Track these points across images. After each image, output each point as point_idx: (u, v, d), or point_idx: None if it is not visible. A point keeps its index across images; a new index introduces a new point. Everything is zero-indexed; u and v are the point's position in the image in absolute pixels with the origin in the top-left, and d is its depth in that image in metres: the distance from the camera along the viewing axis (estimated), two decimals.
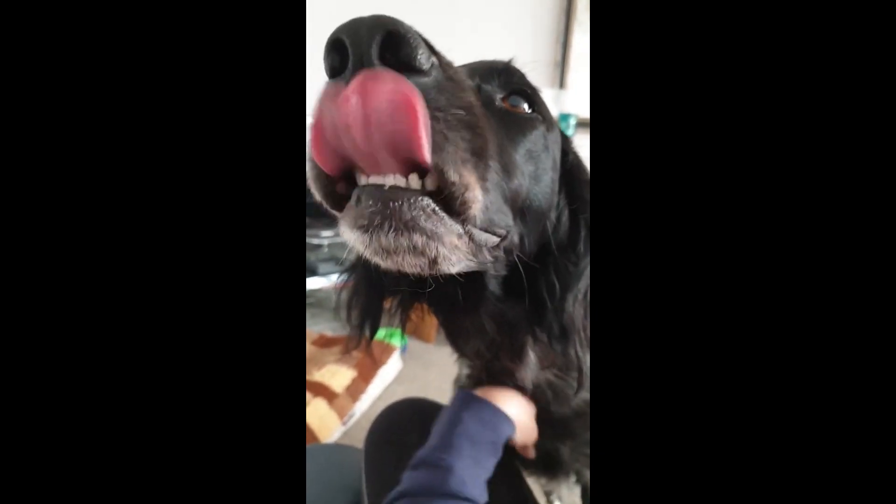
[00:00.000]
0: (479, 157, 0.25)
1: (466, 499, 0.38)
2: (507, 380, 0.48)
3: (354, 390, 1.37)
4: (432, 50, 0.24)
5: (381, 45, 0.21)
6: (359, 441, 1.29)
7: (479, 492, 0.40)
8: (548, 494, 0.93)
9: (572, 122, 1.76)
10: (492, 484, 0.42)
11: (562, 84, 1.87)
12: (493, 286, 0.37)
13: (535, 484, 0.64)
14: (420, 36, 0.22)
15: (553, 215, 0.38)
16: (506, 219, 0.30)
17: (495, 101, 0.33)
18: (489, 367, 0.49)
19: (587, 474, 0.57)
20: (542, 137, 0.35)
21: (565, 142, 0.41)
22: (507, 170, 0.30)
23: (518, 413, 0.49)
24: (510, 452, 0.52)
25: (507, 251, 0.33)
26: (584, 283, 0.37)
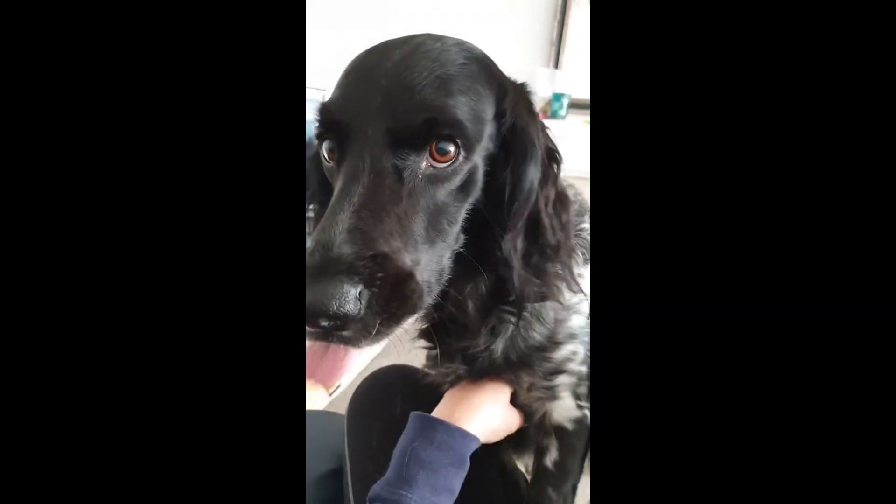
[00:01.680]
0: (415, 307, 0.33)
1: None
2: (454, 330, 0.47)
3: None
4: (363, 275, 0.30)
5: (323, 318, 0.29)
6: (343, 410, 1.32)
7: None
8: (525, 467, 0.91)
9: (565, 101, 1.75)
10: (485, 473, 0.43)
11: (557, 64, 1.85)
12: None
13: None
14: (345, 297, 0.29)
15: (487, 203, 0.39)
16: (448, 256, 0.37)
17: (418, 171, 0.34)
18: (436, 319, 0.48)
19: (548, 406, 0.53)
20: (467, 173, 0.36)
21: (502, 105, 0.39)
22: (440, 236, 0.35)
23: (486, 417, 0.48)
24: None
25: (454, 253, 0.38)
26: (519, 223, 0.38)
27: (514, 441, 0.65)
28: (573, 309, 0.48)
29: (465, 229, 0.38)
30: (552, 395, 0.51)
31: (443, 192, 0.35)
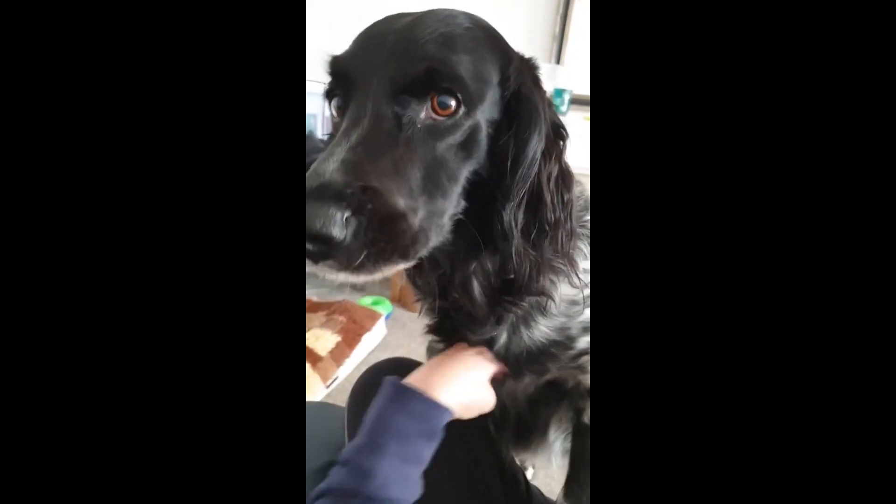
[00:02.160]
0: (406, 250, 0.33)
1: (387, 499, 0.38)
2: (461, 320, 0.48)
3: (338, 354, 1.40)
4: (350, 201, 0.30)
5: (308, 239, 0.29)
6: (341, 403, 1.32)
7: (406, 490, 0.40)
8: (521, 462, 0.94)
9: (566, 97, 1.75)
10: (465, 468, 0.43)
11: (559, 59, 1.84)
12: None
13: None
14: (330, 218, 0.29)
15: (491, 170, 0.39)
16: (447, 215, 0.37)
17: (418, 120, 0.35)
18: (443, 308, 0.49)
19: (581, 378, 0.55)
20: (468, 130, 0.36)
21: (507, 71, 0.39)
22: (438, 190, 0.35)
23: (461, 389, 0.48)
24: (480, 419, 0.53)
25: (454, 216, 0.38)
26: (521, 191, 0.38)
27: (515, 438, 0.66)
28: (584, 304, 0.49)
29: (467, 195, 0.38)
30: (582, 369, 0.53)
31: (442, 146, 0.36)
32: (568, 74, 1.76)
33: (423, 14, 0.38)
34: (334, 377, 1.36)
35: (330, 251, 0.29)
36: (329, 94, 0.41)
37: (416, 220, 0.33)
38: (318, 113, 1.92)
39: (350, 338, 1.47)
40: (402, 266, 0.34)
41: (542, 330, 0.48)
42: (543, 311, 0.47)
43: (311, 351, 1.35)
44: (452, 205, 0.37)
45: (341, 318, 1.56)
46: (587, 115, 1.69)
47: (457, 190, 0.37)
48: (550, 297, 0.45)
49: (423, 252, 0.35)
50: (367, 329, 1.55)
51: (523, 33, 1.87)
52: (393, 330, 1.74)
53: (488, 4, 1.92)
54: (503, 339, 0.49)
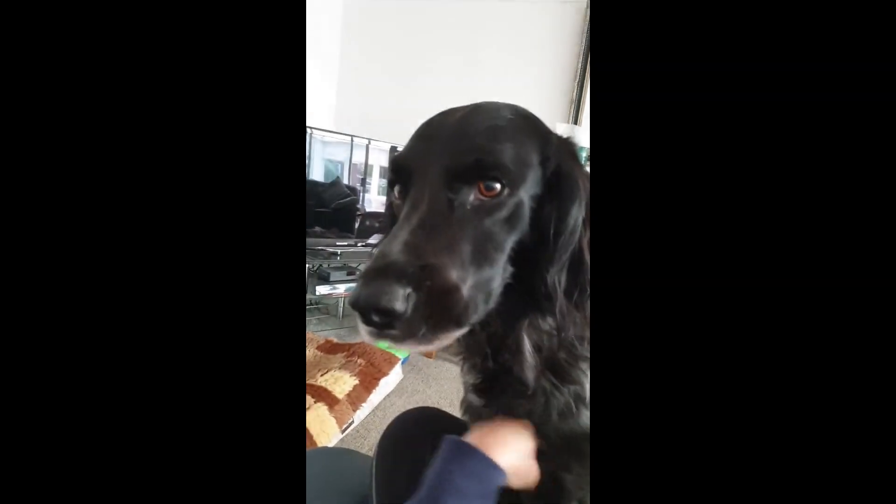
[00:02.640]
0: (459, 319, 0.37)
1: None
2: (509, 383, 0.49)
3: (355, 398, 1.41)
4: (411, 279, 0.34)
5: (375, 313, 0.33)
6: (355, 449, 1.31)
7: None
8: None
9: (584, 155, 1.83)
10: None
11: (577, 121, 1.95)
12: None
13: None
14: (394, 295, 0.33)
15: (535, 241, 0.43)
16: (496, 283, 0.40)
17: (468, 202, 0.40)
18: (491, 369, 0.51)
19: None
20: (512, 207, 0.41)
21: (546, 151, 0.44)
22: (486, 261, 0.40)
23: (513, 457, 0.49)
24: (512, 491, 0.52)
25: (503, 282, 0.42)
26: (563, 256, 0.42)
27: (541, 499, 0.65)
28: None
29: (514, 262, 0.42)
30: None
31: (489, 222, 0.40)
32: (584, 133, 1.85)
33: (473, 108, 0.44)
34: (350, 422, 1.37)
35: (393, 322, 0.33)
36: (391, 184, 0.47)
37: (467, 290, 0.37)
38: (345, 161, 2.06)
39: (368, 381, 1.48)
40: (457, 334, 0.37)
41: (582, 420, 0.50)
42: (581, 401, 0.49)
43: (329, 393, 1.36)
44: (499, 272, 0.41)
45: (360, 361, 1.58)
46: None
47: (503, 258, 0.41)
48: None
49: (476, 319, 0.38)
50: (384, 373, 1.56)
51: (544, 97, 2.00)
52: (409, 374, 1.74)
53: (511, 71, 2.08)
54: (547, 414, 0.50)
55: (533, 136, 0.44)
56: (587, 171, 0.46)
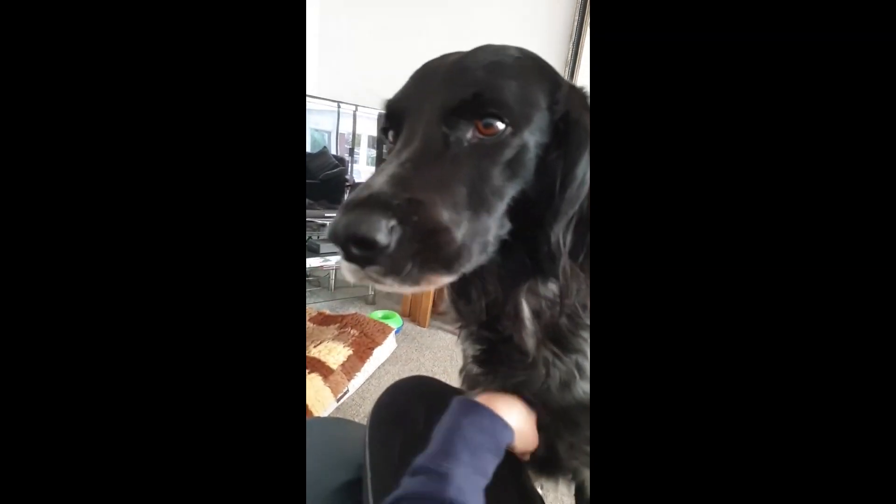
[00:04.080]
0: (450, 262, 0.33)
1: None
2: (509, 352, 0.48)
3: (349, 368, 1.42)
4: (396, 211, 0.31)
5: (354, 244, 0.31)
6: (351, 416, 1.34)
7: (477, 499, 0.41)
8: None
9: None
10: (496, 487, 0.43)
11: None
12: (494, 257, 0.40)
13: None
14: (376, 224, 0.30)
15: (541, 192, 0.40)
16: (492, 234, 0.37)
17: (464, 139, 0.37)
18: (490, 338, 0.49)
19: (585, 473, 0.56)
20: (515, 149, 0.37)
21: (555, 95, 0.40)
22: (483, 206, 0.36)
23: (518, 420, 0.48)
24: (511, 455, 0.51)
25: (499, 237, 0.38)
26: (570, 212, 0.39)
27: (536, 467, 0.65)
28: None
29: (514, 216, 0.38)
30: (589, 462, 0.52)
31: (487, 164, 0.37)
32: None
33: (476, 49, 0.40)
34: (345, 391, 1.38)
35: (375, 256, 0.31)
36: (385, 131, 0.43)
37: (460, 233, 0.34)
38: (333, 130, 1.99)
39: (361, 351, 1.49)
40: (446, 279, 0.34)
41: (579, 391, 0.48)
42: (582, 372, 0.48)
43: (323, 364, 1.37)
44: (497, 222, 0.37)
45: (353, 332, 1.59)
46: None
47: (501, 207, 0.37)
48: None
49: (468, 267, 0.35)
50: (378, 343, 1.57)
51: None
52: (402, 344, 1.76)
53: (503, 33, 1.99)
54: (546, 384, 0.49)
55: (541, 77, 0.40)
56: None
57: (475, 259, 0.36)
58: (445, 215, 0.33)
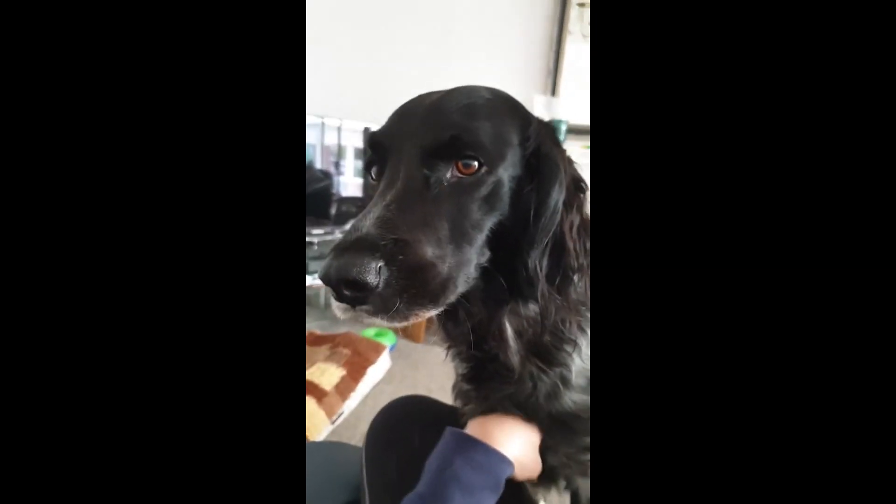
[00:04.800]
0: (436, 296, 0.36)
1: None
2: (496, 370, 0.49)
3: (344, 389, 1.38)
4: (384, 253, 0.33)
5: (345, 286, 0.33)
6: (347, 439, 1.29)
7: None
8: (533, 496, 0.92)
9: (563, 128, 1.80)
10: None
11: (554, 91, 1.91)
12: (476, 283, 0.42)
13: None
14: (366, 267, 0.32)
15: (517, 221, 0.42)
16: (473, 265, 0.39)
17: (444, 179, 0.39)
18: (477, 357, 0.50)
19: (577, 481, 0.57)
20: (490, 185, 0.40)
21: (526, 132, 0.43)
22: (464, 239, 0.39)
23: (519, 448, 0.48)
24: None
25: (480, 265, 0.41)
26: (545, 239, 0.41)
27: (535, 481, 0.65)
28: None
29: (493, 245, 0.41)
30: (583, 471, 0.53)
31: (467, 200, 0.39)
32: (563, 105, 1.81)
33: (450, 90, 0.43)
34: (340, 412, 1.33)
35: (365, 297, 0.33)
36: (368, 165, 0.46)
37: (445, 267, 0.36)
38: (317, 143, 1.97)
39: (355, 371, 1.45)
40: (433, 312, 0.36)
41: (567, 401, 0.49)
42: (567, 383, 0.49)
43: (317, 386, 1.33)
44: (477, 252, 0.40)
45: (346, 351, 1.54)
46: (584, 143, 1.73)
47: (481, 238, 0.40)
48: (576, 343, 0.47)
49: (452, 298, 0.37)
50: (371, 362, 1.53)
51: (520, 68, 1.94)
52: (397, 361, 1.72)
53: (487, 43, 2.01)
54: (535, 397, 0.50)
55: (512, 116, 0.43)
56: (568, 155, 0.46)
57: (460, 289, 0.38)
58: (430, 252, 0.35)
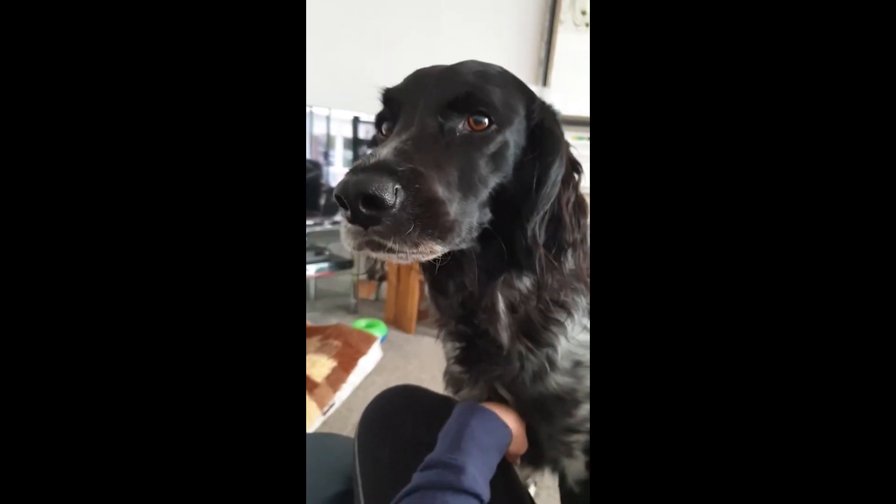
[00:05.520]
0: (445, 232, 0.36)
1: (477, 495, 0.42)
2: (486, 347, 0.51)
3: (335, 380, 1.37)
4: (401, 177, 0.34)
5: (363, 202, 0.33)
6: (338, 430, 1.29)
7: (486, 491, 0.44)
8: (524, 479, 0.95)
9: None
10: (492, 485, 0.45)
11: (545, 82, 1.90)
12: (473, 245, 0.44)
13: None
14: (384, 185, 0.32)
15: (518, 187, 0.44)
16: (476, 218, 0.41)
17: (457, 130, 0.42)
18: (467, 333, 0.52)
19: (564, 462, 0.59)
20: (498, 144, 0.42)
21: (531, 106, 0.46)
22: (471, 190, 0.40)
23: (512, 422, 0.52)
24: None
25: (481, 225, 0.42)
26: (544, 208, 0.43)
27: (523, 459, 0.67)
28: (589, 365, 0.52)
29: (494, 207, 0.42)
30: (568, 451, 0.56)
31: (475, 154, 0.41)
32: (555, 95, 1.81)
33: (463, 61, 0.45)
34: (331, 404, 1.33)
35: (380, 216, 0.33)
36: (379, 120, 0.47)
37: (452, 209, 0.37)
38: (307, 133, 1.94)
39: (346, 363, 1.45)
40: (440, 248, 0.37)
41: (552, 382, 0.52)
42: (553, 365, 0.51)
43: (308, 377, 1.32)
44: (480, 208, 0.41)
45: (336, 343, 1.54)
46: (575, 134, 1.73)
47: (485, 193, 0.41)
48: (570, 312, 0.49)
49: (457, 241, 0.38)
50: (362, 353, 1.53)
51: (512, 58, 1.93)
52: (388, 352, 1.72)
53: (479, 33, 1.98)
54: (521, 377, 0.52)
55: (519, 90, 0.46)
56: (566, 138, 0.48)
57: (464, 236, 0.39)
58: (441, 190, 0.36)
